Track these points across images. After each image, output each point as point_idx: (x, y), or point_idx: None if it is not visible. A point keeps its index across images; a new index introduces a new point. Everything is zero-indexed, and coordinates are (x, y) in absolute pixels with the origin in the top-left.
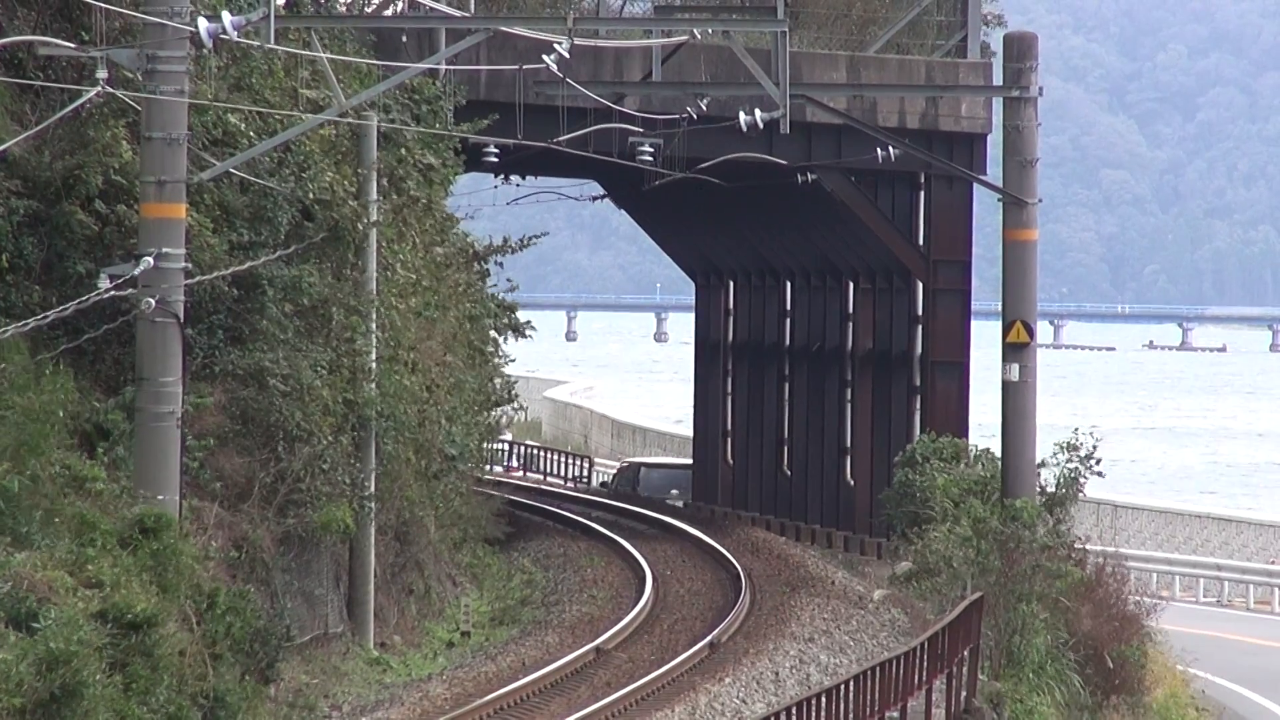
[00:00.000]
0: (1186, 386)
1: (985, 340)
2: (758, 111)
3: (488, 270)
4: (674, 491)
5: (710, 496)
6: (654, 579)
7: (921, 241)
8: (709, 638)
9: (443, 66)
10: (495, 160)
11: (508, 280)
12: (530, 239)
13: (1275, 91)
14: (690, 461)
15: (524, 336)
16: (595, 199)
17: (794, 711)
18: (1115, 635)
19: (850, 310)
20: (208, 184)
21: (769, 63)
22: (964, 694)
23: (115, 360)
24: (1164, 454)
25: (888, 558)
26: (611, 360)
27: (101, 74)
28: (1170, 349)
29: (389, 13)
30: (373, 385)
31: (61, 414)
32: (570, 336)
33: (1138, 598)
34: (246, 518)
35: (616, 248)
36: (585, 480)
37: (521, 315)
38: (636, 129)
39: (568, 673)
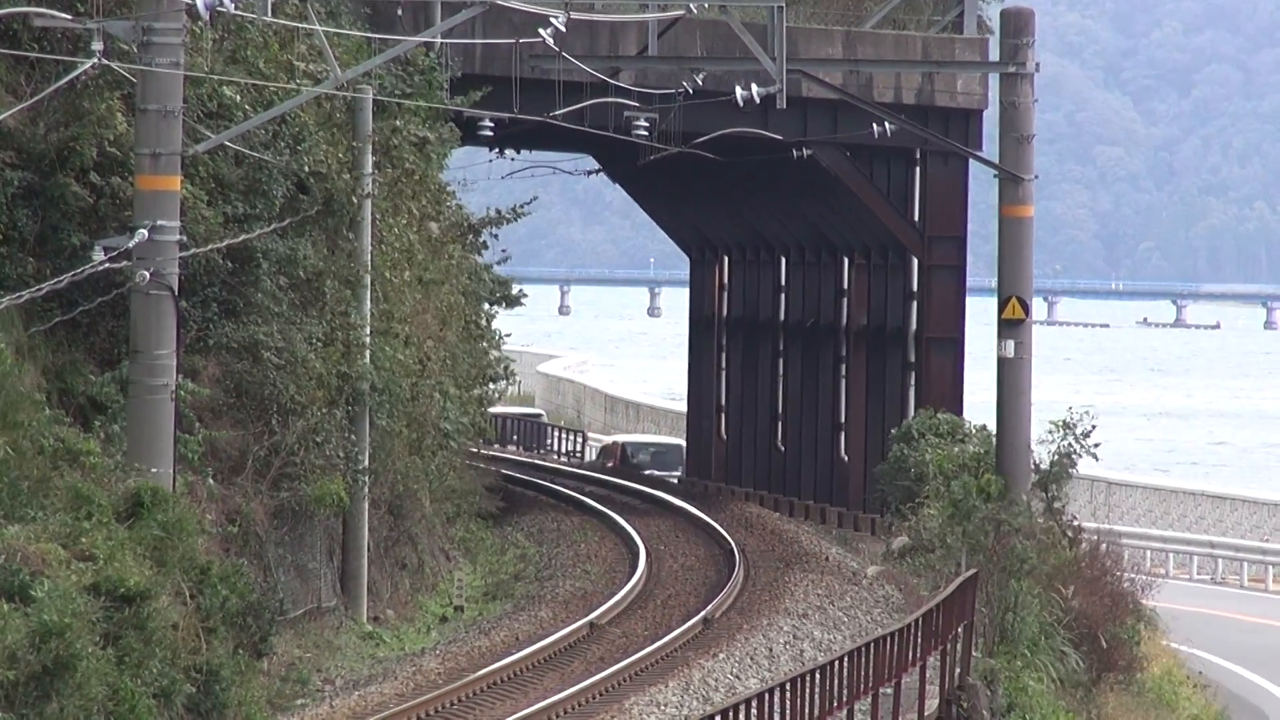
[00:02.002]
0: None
1: (978, 317)
2: (754, 86)
3: (485, 244)
4: (514, 437)
5: (704, 472)
6: (647, 554)
7: (917, 217)
8: (703, 613)
9: (438, 40)
10: (490, 134)
11: (502, 250)
12: (521, 206)
13: (1271, 68)
14: (538, 411)
15: (517, 304)
16: (590, 173)
17: (788, 688)
18: (1109, 613)
19: (845, 286)
20: (202, 156)
21: (765, 37)
22: (958, 671)
23: (109, 333)
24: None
25: (881, 534)
26: (605, 334)
27: (97, 46)
28: (1164, 326)
29: None
30: (366, 358)
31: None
32: (563, 310)
33: (1132, 575)
34: (240, 491)
35: (610, 222)
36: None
37: (514, 289)
38: (632, 103)
39: (561, 648)
